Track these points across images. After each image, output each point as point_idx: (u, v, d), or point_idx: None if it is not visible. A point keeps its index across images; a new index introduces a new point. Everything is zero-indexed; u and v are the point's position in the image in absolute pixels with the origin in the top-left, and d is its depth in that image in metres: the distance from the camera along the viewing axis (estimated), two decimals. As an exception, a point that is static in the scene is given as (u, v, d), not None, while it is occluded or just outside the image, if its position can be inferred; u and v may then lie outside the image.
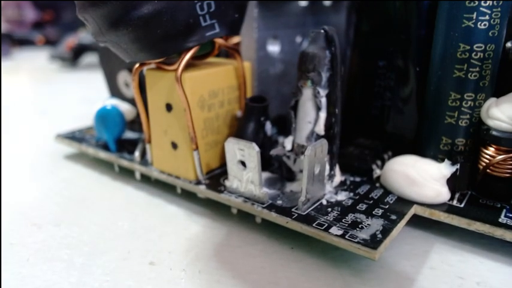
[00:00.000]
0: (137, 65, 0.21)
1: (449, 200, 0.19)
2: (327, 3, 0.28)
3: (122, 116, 0.25)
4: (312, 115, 0.20)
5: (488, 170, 0.18)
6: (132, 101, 0.27)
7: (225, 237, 0.19)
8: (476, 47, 0.18)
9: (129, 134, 0.27)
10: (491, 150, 0.18)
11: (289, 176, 0.20)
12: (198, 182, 0.20)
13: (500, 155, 0.18)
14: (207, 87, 0.20)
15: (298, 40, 0.27)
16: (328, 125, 0.20)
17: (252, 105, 0.20)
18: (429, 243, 0.18)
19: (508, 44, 0.19)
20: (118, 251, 0.18)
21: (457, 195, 0.19)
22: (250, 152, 0.18)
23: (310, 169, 0.17)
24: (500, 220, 0.17)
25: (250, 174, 0.18)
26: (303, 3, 0.26)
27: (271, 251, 0.18)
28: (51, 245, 0.18)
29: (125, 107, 0.26)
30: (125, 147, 0.25)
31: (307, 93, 0.20)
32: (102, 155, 0.25)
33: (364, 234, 0.16)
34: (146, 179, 0.24)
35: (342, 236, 0.16)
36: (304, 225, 0.17)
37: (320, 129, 0.20)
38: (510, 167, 0.18)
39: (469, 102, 0.19)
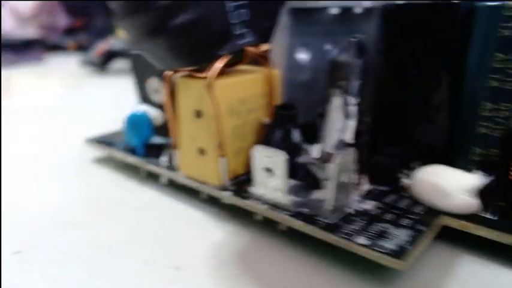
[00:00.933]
0: (169, 72, 0.21)
1: (481, 212, 0.18)
2: (358, 10, 0.27)
3: (151, 122, 0.25)
4: (340, 123, 0.20)
5: (522, 183, 0.18)
6: (160, 107, 0.28)
7: (249, 244, 0.19)
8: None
9: (157, 139, 0.27)
10: (525, 162, 0.18)
11: (316, 184, 0.20)
12: (224, 188, 0.21)
13: (535, 167, 0.17)
14: (237, 95, 0.20)
15: (328, 48, 0.27)
16: (357, 134, 0.19)
17: (281, 112, 0.20)
18: (458, 256, 0.18)
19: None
20: (144, 255, 0.18)
21: (489, 208, 0.18)
22: (278, 159, 0.18)
23: (337, 178, 0.17)
24: (534, 234, 0.16)
25: (276, 181, 0.18)
26: (334, 11, 0.26)
27: (295, 260, 0.18)
28: (78, 246, 0.19)
29: (154, 113, 0.26)
30: (152, 152, 0.25)
31: (336, 101, 0.19)
32: (130, 159, 0.25)
33: (391, 245, 0.16)
34: (172, 184, 0.24)
35: (369, 246, 0.16)
36: (330, 234, 0.17)
37: (348, 137, 0.19)
38: (545, 179, 0.17)
39: (505, 113, 0.18)
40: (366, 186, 0.20)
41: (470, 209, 0.18)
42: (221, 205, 0.21)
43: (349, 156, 0.18)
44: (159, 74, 0.28)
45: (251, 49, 0.20)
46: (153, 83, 0.28)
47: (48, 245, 0.19)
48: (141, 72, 0.29)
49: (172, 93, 0.22)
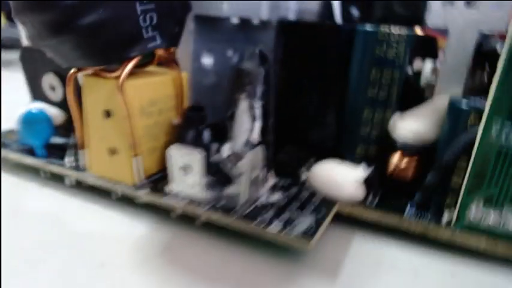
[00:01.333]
0: (72, 71, 0.20)
1: (365, 198, 0.22)
2: (256, 22, 0.30)
3: (51, 121, 0.24)
4: (247, 125, 0.21)
5: (395, 173, 0.22)
6: (58, 105, 0.26)
7: (169, 239, 0.19)
8: (385, 72, 0.21)
9: (56, 139, 0.26)
10: (397, 156, 0.22)
11: (227, 180, 0.22)
12: (139, 187, 0.21)
13: (405, 160, 0.22)
14: (147, 96, 0.21)
15: (230, 54, 0.29)
16: (262, 134, 0.22)
17: (192, 114, 0.21)
18: (350, 236, 0.21)
19: (409, 71, 0.23)
20: (64, 256, 0.17)
21: (371, 194, 0.22)
22: (194, 157, 0.19)
23: (248, 173, 0.19)
24: (405, 215, 0.20)
25: (193, 178, 0.19)
26: (235, 21, 0.28)
27: (215, 250, 0.19)
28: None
29: (52, 111, 0.25)
30: (53, 152, 0.24)
31: (243, 105, 0.21)
32: (28, 160, 0.24)
33: (298, 230, 0.18)
34: (78, 186, 0.23)
35: (280, 231, 0.18)
36: (245, 224, 0.18)
37: (255, 137, 0.21)
38: (412, 169, 0.22)
39: (379, 117, 0.22)
40: (272, 180, 0.22)
41: (358, 196, 0.21)
42: (135, 204, 0.22)
43: (258, 153, 0.20)
44: (55, 71, 0.27)
45: (161, 52, 0.21)
46: (48, 80, 0.27)
47: None
48: (34, 68, 0.28)
49: (77, 92, 0.21)
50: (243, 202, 0.19)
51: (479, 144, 0.18)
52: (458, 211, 0.19)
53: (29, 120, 0.24)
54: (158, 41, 0.20)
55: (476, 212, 0.19)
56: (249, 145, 0.21)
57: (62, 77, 0.27)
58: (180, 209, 0.20)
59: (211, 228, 0.20)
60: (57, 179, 0.24)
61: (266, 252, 0.19)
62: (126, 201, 0.22)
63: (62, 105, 0.26)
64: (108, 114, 0.20)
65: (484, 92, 0.21)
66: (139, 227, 0.20)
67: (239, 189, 0.21)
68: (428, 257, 0.19)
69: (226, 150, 0.22)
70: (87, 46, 0.18)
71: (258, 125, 0.21)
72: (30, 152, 0.24)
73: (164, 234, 0.20)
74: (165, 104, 0.22)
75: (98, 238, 0.19)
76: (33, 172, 0.25)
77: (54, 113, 0.25)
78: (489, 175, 0.18)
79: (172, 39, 0.21)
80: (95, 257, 0.18)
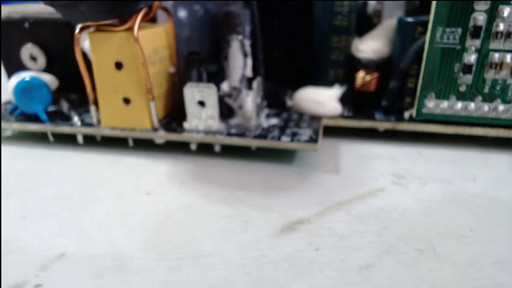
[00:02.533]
0: (78, 30, 0.22)
1: (342, 112, 0.26)
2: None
3: (48, 85, 0.25)
4: (241, 62, 0.25)
5: (362, 87, 0.27)
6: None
7: (195, 167, 0.23)
8: (346, 3, 0.26)
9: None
10: (362, 73, 0.27)
11: (230, 113, 0.25)
12: (156, 129, 0.23)
13: (368, 75, 0.27)
14: (152, 45, 0.23)
15: (196, 8, 0.31)
16: (254, 69, 0.25)
17: (193, 57, 0.24)
18: (337, 141, 0.26)
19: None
20: (110, 195, 0.20)
21: (346, 108, 0.27)
22: (210, 91, 0.22)
23: (256, 99, 0.23)
24: (376, 117, 0.26)
25: (209, 111, 0.22)
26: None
27: (237, 167, 0.22)
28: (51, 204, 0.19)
29: (45, 77, 0.26)
30: (52, 117, 0.25)
31: (235, 44, 0.24)
32: (34, 127, 0.25)
33: (305, 138, 0.22)
34: (88, 142, 0.25)
35: (291, 140, 0.22)
36: (261, 140, 0.22)
37: (248, 72, 0.25)
38: (375, 82, 0.27)
39: (344, 43, 0.27)
40: (266, 109, 0.26)
41: (337, 111, 0.26)
42: (153, 146, 0.24)
43: (259, 83, 0.23)
44: (35, 41, 0.27)
45: (158, 3, 0.23)
46: (28, 51, 0.27)
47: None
48: (9, 41, 0.28)
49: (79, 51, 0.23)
50: (253, 125, 0.23)
51: (428, 48, 0.23)
52: (417, 106, 0.24)
53: (27, 87, 0.25)
54: (156, -6, 0.22)
55: (429, 104, 0.24)
56: (244, 80, 0.25)
57: (43, 46, 0.27)
58: (197, 142, 0.23)
59: (229, 152, 0.23)
60: (66, 140, 0.25)
61: (279, 163, 0.23)
62: (143, 146, 0.24)
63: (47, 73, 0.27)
64: (119, 66, 0.22)
65: (419, 12, 0.26)
66: (162, 164, 0.23)
67: (242, 119, 0.24)
68: (400, 146, 0.25)
69: (225, 86, 0.25)
70: (103, 2, 0.20)
71: (249, 61, 0.25)
72: (31, 119, 0.25)
73: (188, 164, 0.23)
74: (163, 53, 0.25)
75: (130, 177, 0.22)
76: (35, 138, 0.26)
77: (48, 79, 0.26)
78: (437, 73, 0.23)
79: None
80: (139, 189, 0.20)
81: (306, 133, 0.23)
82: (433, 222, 0.17)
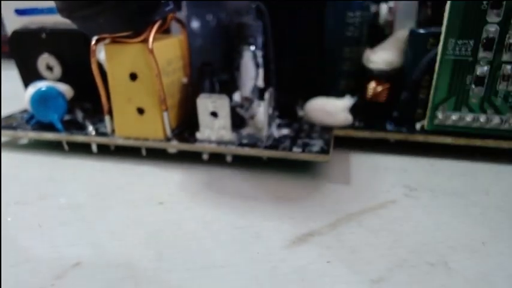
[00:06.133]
0: (93, 43, 0.22)
1: (353, 122, 0.26)
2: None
3: (63, 95, 0.26)
4: (252, 72, 0.25)
5: (373, 98, 0.27)
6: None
7: (207, 177, 0.23)
8: (358, 14, 0.26)
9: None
10: (373, 84, 0.27)
11: (241, 123, 0.25)
12: (169, 139, 0.24)
13: (379, 86, 0.27)
14: (167, 56, 0.23)
15: (209, 19, 0.32)
16: (266, 79, 0.25)
17: (206, 68, 0.24)
18: (348, 152, 0.26)
19: (373, 9, 0.27)
20: (123, 204, 0.20)
21: (357, 119, 0.27)
22: (222, 102, 0.22)
23: (267, 109, 0.23)
24: (387, 128, 0.26)
25: (221, 121, 0.23)
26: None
27: (248, 178, 0.23)
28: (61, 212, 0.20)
29: (62, 87, 0.26)
30: (66, 127, 0.26)
31: (247, 55, 0.25)
32: (49, 136, 0.25)
33: (316, 149, 0.22)
34: (102, 151, 0.25)
35: (303, 151, 0.22)
36: (272, 151, 0.22)
37: (260, 83, 0.25)
38: (386, 93, 0.27)
39: (356, 53, 0.27)
40: (277, 119, 0.26)
41: (347, 122, 0.26)
42: (166, 156, 0.24)
43: (271, 94, 0.23)
44: (51, 51, 0.28)
45: (171, 15, 0.23)
46: (45, 60, 0.28)
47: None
48: (26, 51, 0.28)
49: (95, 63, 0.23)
50: (265, 135, 0.23)
51: (440, 59, 0.23)
52: (429, 117, 0.24)
53: (43, 97, 0.25)
54: (171, 5, 0.22)
55: (441, 116, 0.24)
56: (256, 90, 0.25)
57: (59, 57, 0.28)
58: (209, 152, 0.23)
59: (241, 162, 0.24)
60: (80, 149, 0.26)
61: (290, 173, 0.23)
62: (155, 155, 0.25)
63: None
64: (134, 77, 0.23)
65: (431, 23, 0.26)
66: (175, 173, 0.23)
67: (253, 129, 0.25)
68: (411, 157, 0.25)
69: (237, 96, 0.25)
70: (118, 15, 0.20)
71: (261, 72, 0.25)
72: (45, 128, 0.26)
73: (200, 174, 0.23)
74: (177, 64, 0.25)
75: (143, 186, 0.22)
76: (50, 147, 0.26)
77: (64, 88, 0.26)
78: (449, 84, 0.23)
79: (179, 4, 0.24)
80: (152, 198, 0.21)
81: (317, 144, 0.23)
82: (445, 236, 0.17)
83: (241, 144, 0.23)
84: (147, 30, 0.22)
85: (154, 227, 0.18)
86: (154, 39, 0.23)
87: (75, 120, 0.27)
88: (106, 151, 0.25)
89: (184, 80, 0.26)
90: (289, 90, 0.29)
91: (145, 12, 0.21)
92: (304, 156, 0.22)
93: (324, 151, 0.22)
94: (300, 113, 0.28)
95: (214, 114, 0.23)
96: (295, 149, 0.22)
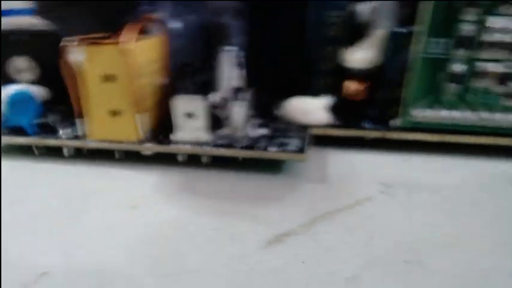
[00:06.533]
0: (63, 44, 0.22)
1: (332, 122, 0.26)
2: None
3: (36, 98, 0.25)
4: (231, 73, 0.25)
5: (351, 96, 0.27)
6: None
7: (183, 178, 0.22)
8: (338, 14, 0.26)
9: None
10: (351, 83, 0.27)
11: (218, 124, 0.25)
12: (143, 141, 0.23)
13: (357, 84, 0.27)
14: (144, 57, 0.23)
15: (189, 18, 0.31)
16: (245, 80, 0.25)
17: (187, 68, 0.24)
18: (325, 151, 0.26)
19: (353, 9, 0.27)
20: (96, 209, 0.20)
21: (334, 117, 0.27)
22: (198, 103, 0.22)
23: (244, 109, 0.23)
24: (364, 126, 0.26)
25: (197, 122, 0.22)
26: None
27: (224, 178, 0.22)
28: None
29: (36, 90, 0.26)
30: (42, 129, 0.25)
31: (225, 55, 0.24)
32: (21, 140, 0.25)
33: (292, 148, 0.22)
34: (76, 155, 0.25)
35: (279, 151, 0.22)
36: (249, 151, 0.22)
37: (239, 83, 0.25)
38: (364, 92, 0.27)
39: (336, 52, 0.27)
40: (255, 119, 0.26)
41: (325, 120, 0.26)
42: (140, 158, 0.24)
43: (248, 94, 0.23)
44: (24, 54, 0.27)
45: (149, 16, 0.23)
46: (17, 63, 0.27)
47: None
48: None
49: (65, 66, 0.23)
50: (241, 136, 0.23)
51: (416, 58, 0.23)
52: (404, 115, 0.25)
53: (15, 100, 0.24)
54: (149, 6, 0.22)
55: (416, 113, 0.24)
56: (234, 90, 0.25)
57: (34, 58, 0.27)
58: (185, 153, 0.23)
59: (217, 163, 0.23)
60: (52, 153, 0.25)
61: (266, 173, 0.23)
62: (130, 158, 0.24)
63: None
64: (109, 78, 0.22)
65: (409, 22, 0.27)
66: (150, 175, 0.23)
67: (235, 127, 0.24)
68: (387, 154, 0.25)
69: (214, 97, 0.25)
70: (95, 14, 0.20)
71: (240, 72, 0.25)
72: (19, 132, 0.25)
73: (176, 176, 0.23)
74: (155, 64, 0.24)
75: (117, 191, 0.21)
76: (23, 151, 0.25)
77: (37, 91, 0.26)
78: (424, 82, 0.24)
79: (157, 4, 0.23)
80: (125, 202, 0.20)
81: (293, 143, 0.23)
82: (420, 232, 0.18)
83: (216, 145, 0.23)
84: (124, 31, 0.21)
85: (127, 233, 0.18)
86: (132, 40, 0.23)
87: (49, 123, 0.26)
88: (79, 154, 0.25)
89: (163, 80, 0.26)
90: (270, 90, 0.29)
91: (121, 13, 0.20)
92: (280, 155, 0.22)
93: (300, 150, 0.22)
94: (278, 112, 0.27)
95: (190, 115, 0.22)
96: (271, 149, 0.22)
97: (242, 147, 0.22)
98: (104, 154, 0.25)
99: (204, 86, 0.26)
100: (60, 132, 0.25)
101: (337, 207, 0.19)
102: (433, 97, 0.24)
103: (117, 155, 0.24)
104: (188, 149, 0.23)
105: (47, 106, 0.27)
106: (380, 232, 0.18)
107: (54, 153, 0.25)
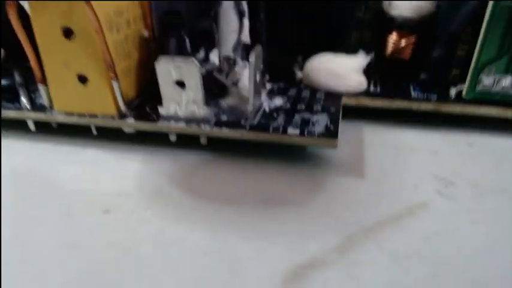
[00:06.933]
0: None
1: (368, 86, 0.20)
2: None
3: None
4: (235, 24, 0.19)
5: (394, 54, 0.21)
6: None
7: (174, 166, 0.17)
8: None
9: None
10: (395, 36, 0.20)
11: (222, 92, 0.19)
12: (123, 115, 0.18)
13: (403, 38, 0.20)
14: (113, 4, 0.17)
15: None
16: (253, 33, 0.19)
17: (172, 19, 0.18)
18: (359, 128, 0.20)
19: None
20: (54, 214, 0.15)
21: (372, 81, 0.21)
22: (190, 68, 0.16)
23: (254, 77, 0.17)
24: (412, 95, 0.20)
25: (190, 93, 0.17)
26: None
27: (229, 168, 0.17)
28: None
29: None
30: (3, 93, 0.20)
31: (227, 1, 0.18)
32: (-29, 110, 0.20)
33: (319, 128, 0.17)
34: (43, 128, 0.20)
35: (301, 134, 0.16)
36: (261, 133, 0.16)
37: (246, 37, 0.19)
38: (412, 48, 0.20)
39: (374, -5, 0.20)
40: (268, 84, 0.20)
41: (361, 86, 0.20)
42: (121, 136, 0.19)
43: (259, 53, 0.17)
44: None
45: None
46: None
47: None
48: None
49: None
50: (251, 110, 0.17)
51: (492, 6, 0.16)
52: (469, 82, 0.18)
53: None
54: None
55: (486, 81, 0.18)
56: (240, 47, 0.19)
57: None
58: (179, 130, 0.17)
59: (219, 145, 0.18)
60: (14, 126, 0.20)
61: (284, 163, 0.17)
62: (110, 135, 0.19)
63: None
64: (68, 33, 0.16)
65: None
66: (131, 161, 0.18)
67: (236, 100, 0.19)
68: (443, 133, 0.19)
69: (215, 56, 0.19)
70: None
71: (246, 22, 0.19)
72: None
73: (165, 163, 0.18)
74: (132, 12, 0.18)
75: (88, 183, 0.16)
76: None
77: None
78: (501, 39, 0.17)
79: None
80: (95, 203, 0.15)
81: (320, 121, 0.17)
82: (502, 264, 0.12)
83: (218, 123, 0.17)
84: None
85: (91, 250, 0.13)
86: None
87: (11, 87, 0.21)
88: (48, 128, 0.20)
89: (145, 33, 0.20)
90: (283, 46, 0.23)
91: None
92: (303, 141, 0.16)
93: (330, 132, 0.16)
94: (299, 74, 0.21)
95: (180, 84, 0.17)
96: (291, 131, 0.16)
97: (252, 128, 0.17)
98: (79, 129, 0.19)
99: (199, 41, 0.20)
100: (24, 101, 0.19)
101: (380, 218, 0.14)
102: (508, 61, 0.17)
103: (94, 131, 0.19)
104: (180, 127, 0.17)
105: (9, 66, 0.21)
106: (445, 264, 0.12)
107: (18, 125, 0.20)
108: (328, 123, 0.17)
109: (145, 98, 0.19)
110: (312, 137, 0.16)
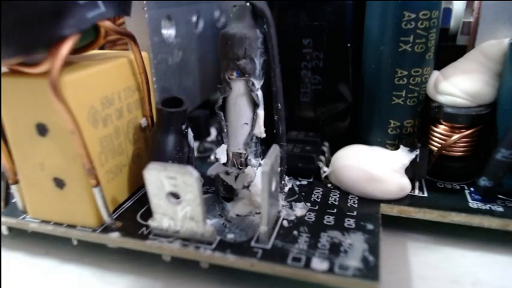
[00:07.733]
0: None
1: (411, 191, 0.16)
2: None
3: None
4: (247, 114, 0.15)
5: (443, 151, 0.17)
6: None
7: (165, 299, 0.13)
8: (422, 14, 0.16)
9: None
10: (442, 129, 0.17)
11: (229, 195, 0.16)
12: (106, 228, 0.14)
13: (454, 132, 0.16)
14: (98, 93, 0.14)
15: (194, 20, 0.22)
16: (269, 125, 0.16)
17: (170, 111, 0.15)
18: (402, 245, 0.16)
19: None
20: None
21: (417, 184, 0.17)
22: (187, 179, 0.12)
23: (268, 187, 0.13)
24: (471, 205, 0.15)
25: (188, 208, 0.13)
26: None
27: (233, 305, 0.13)
28: None
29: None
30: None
31: (238, 87, 0.15)
32: None
33: (353, 261, 0.13)
34: (18, 233, 0.16)
35: (330, 270, 0.12)
36: (275, 264, 0.13)
37: (260, 130, 0.15)
38: (464, 144, 0.17)
39: (417, 79, 0.17)
40: (286, 185, 0.17)
41: (404, 191, 0.16)
42: (105, 250, 0.15)
43: (276, 157, 0.14)
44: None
45: (108, 24, 0.14)
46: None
47: None
48: None
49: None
50: (266, 231, 0.13)
51: None
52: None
53: None
54: (102, 8, 0.13)
55: None
56: (253, 142, 0.15)
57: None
58: (173, 252, 0.14)
59: (221, 271, 0.14)
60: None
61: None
62: (91, 248, 0.15)
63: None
64: (43, 129, 0.13)
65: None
66: (115, 285, 0.14)
67: (245, 207, 0.15)
68: (516, 260, 0.15)
69: (221, 152, 0.16)
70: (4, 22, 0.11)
71: (261, 112, 0.15)
72: None
73: (156, 290, 0.14)
74: (125, 100, 0.15)
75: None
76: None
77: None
78: None
79: (121, 5, 0.14)
80: None
81: (355, 247, 0.13)
82: None
83: (222, 246, 0.13)
84: (53, 53, 0.12)
85: None
86: (76, 65, 0.14)
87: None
88: (23, 235, 0.16)
89: (144, 121, 0.17)
90: (304, 132, 0.19)
91: (41, 23, 0.11)
92: (331, 280, 0.12)
93: (368, 269, 0.12)
94: (324, 169, 0.18)
95: (175, 196, 0.13)
96: (317, 264, 0.12)
97: (264, 256, 0.13)
98: (57, 238, 0.16)
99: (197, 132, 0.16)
100: (-7, 200, 0.16)
101: None
102: None
103: (74, 241, 0.16)
104: (175, 249, 0.13)
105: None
106: None
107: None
108: (366, 251, 0.13)
109: (141, 200, 0.16)
110: (344, 277, 0.12)
